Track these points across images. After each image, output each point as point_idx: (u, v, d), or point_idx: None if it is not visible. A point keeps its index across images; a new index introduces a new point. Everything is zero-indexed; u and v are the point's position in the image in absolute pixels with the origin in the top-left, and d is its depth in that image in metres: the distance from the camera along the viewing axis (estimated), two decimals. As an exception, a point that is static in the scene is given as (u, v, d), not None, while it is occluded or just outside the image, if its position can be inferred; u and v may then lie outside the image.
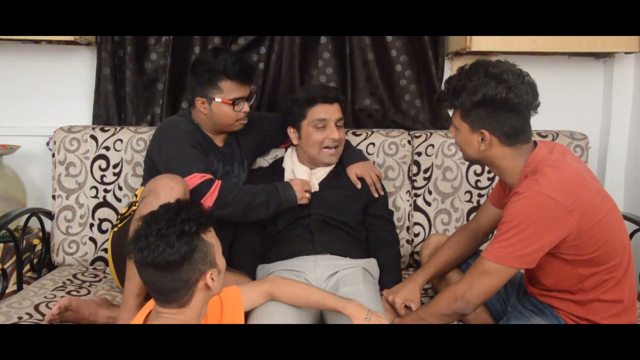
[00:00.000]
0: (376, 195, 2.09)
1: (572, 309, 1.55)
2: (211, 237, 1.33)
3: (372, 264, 1.96)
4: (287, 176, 2.08)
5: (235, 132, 2.10)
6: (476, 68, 1.52)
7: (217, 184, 1.88)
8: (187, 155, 1.91)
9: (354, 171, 2.10)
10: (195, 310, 1.33)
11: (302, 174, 2.06)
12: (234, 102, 1.97)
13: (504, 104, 1.48)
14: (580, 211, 1.42)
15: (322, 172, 2.08)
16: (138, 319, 1.37)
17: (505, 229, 1.46)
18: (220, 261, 1.35)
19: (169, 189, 1.66)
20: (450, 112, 1.61)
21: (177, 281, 1.27)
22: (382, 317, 1.54)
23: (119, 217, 1.95)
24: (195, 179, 1.85)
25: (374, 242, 2.04)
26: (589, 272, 1.49)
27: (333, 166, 2.10)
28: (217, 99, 1.96)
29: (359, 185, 2.07)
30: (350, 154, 2.15)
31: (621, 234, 1.53)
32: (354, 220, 2.03)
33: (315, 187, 2.03)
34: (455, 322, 1.79)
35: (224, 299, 1.49)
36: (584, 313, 1.53)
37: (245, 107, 2.01)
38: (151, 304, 1.38)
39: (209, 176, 1.88)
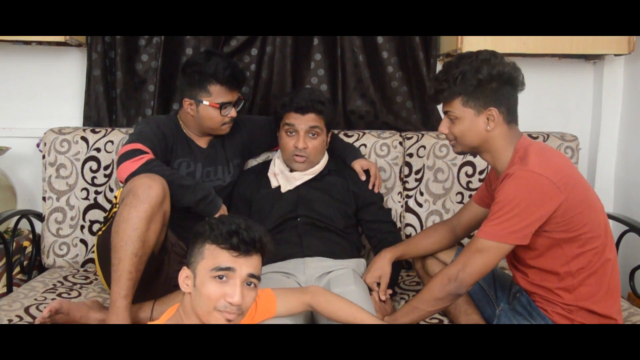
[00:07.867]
0: (370, 187, 2.07)
1: (561, 297, 1.56)
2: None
3: (360, 264, 1.97)
4: (270, 170, 2.08)
5: (221, 134, 2.10)
6: (464, 56, 1.59)
7: (150, 156, 1.84)
8: (145, 131, 1.92)
9: (359, 163, 2.11)
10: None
11: (281, 172, 2.05)
12: (221, 107, 1.97)
13: (506, 77, 1.55)
14: (569, 187, 1.48)
15: (299, 175, 2.04)
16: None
17: (497, 208, 1.49)
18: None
19: (147, 188, 1.66)
20: (440, 109, 1.62)
21: None
22: None
23: (104, 220, 1.94)
24: (135, 146, 1.84)
25: (377, 247, 2.01)
26: (575, 252, 1.53)
27: (312, 170, 2.05)
28: (205, 102, 1.97)
29: (363, 177, 2.07)
30: (354, 153, 2.18)
31: (603, 215, 1.59)
32: (342, 223, 2.01)
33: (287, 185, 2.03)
34: (446, 322, 1.80)
35: (258, 301, 1.51)
36: (574, 300, 1.55)
37: (232, 112, 2.01)
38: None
39: (147, 150, 1.85)
